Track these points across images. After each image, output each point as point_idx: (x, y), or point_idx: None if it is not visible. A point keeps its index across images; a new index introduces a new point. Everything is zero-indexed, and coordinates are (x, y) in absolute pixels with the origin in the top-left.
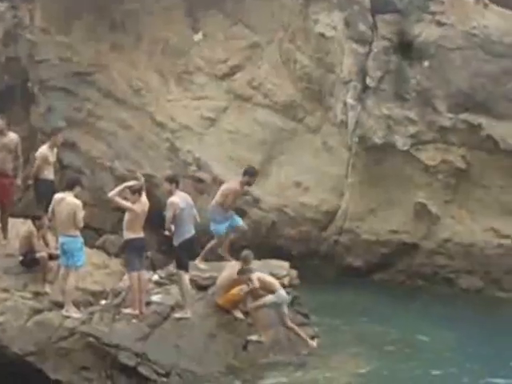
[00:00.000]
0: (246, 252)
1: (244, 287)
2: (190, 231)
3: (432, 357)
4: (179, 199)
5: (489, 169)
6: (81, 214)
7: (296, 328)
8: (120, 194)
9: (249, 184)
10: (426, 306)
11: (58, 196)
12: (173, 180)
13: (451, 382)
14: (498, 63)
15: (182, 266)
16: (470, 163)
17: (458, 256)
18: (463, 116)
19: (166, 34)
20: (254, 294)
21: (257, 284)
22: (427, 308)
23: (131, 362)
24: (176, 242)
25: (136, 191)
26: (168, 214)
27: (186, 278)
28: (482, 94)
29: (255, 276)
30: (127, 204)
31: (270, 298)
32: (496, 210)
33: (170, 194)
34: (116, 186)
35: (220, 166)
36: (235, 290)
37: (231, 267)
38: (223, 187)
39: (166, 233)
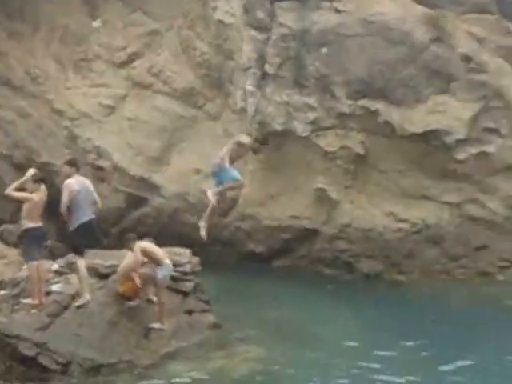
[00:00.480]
0: (131, 235)
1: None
2: (87, 215)
3: (332, 343)
4: (75, 181)
5: (387, 154)
6: None
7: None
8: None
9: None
10: (327, 290)
11: None
12: (73, 163)
13: (350, 367)
14: (395, 50)
15: (78, 251)
16: (369, 149)
17: (358, 240)
18: (361, 102)
19: (64, 21)
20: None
21: (139, 256)
22: (328, 293)
23: (31, 353)
24: (72, 226)
25: (37, 180)
26: (63, 196)
27: (81, 262)
28: (380, 80)
29: (138, 246)
30: (24, 194)
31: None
32: (395, 194)
33: (68, 177)
34: (15, 174)
35: (120, 153)
36: (136, 277)
37: (132, 255)
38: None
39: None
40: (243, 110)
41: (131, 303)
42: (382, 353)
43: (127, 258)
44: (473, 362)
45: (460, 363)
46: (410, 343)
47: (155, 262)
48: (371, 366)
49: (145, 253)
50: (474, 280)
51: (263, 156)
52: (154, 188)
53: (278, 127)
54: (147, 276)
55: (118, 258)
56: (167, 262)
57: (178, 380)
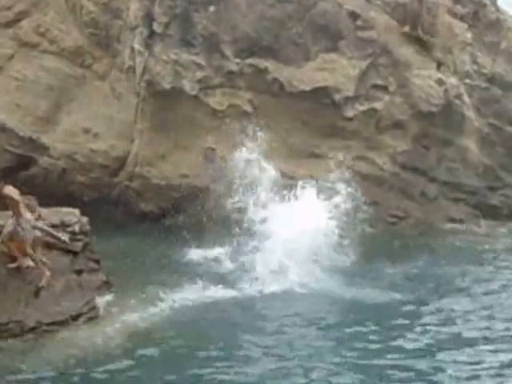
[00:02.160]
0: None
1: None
2: None
3: None
4: None
5: (275, 112)
6: None
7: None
8: None
9: None
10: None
11: None
12: None
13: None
14: (283, 8)
15: None
16: (257, 107)
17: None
18: (249, 60)
19: None
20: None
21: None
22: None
23: None
24: None
25: None
26: None
27: None
28: (268, 38)
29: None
30: None
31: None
32: (283, 152)
33: None
34: None
35: (7, 114)
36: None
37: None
38: None
39: None
40: (131, 69)
41: (12, 265)
42: None
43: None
44: None
45: None
46: None
47: (17, 212)
48: None
49: (9, 198)
50: None
51: (151, 115)
52: (43, 148)
53: (167, 86)
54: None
55: (4, 218)
56: (27, 215)
57: (67, 339)
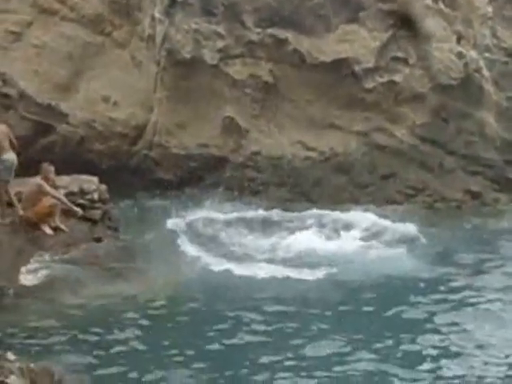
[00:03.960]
0: (44, 164)
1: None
2: None
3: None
4: None
5: (296, 83)
6: None
7: None
8: None
9: None
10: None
11: None
12: None
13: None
14: None
15: None
16: (278, 77)
17: (267, 169)
18: (270, 30)
19: None
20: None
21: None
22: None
23: None
24: None
25: None
26: None
27: None
28: (289, 8)
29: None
30: None
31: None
32: (303, 123)
33: None
34: None
35: (26, 80)
36: (43, 203)
37: (35, 181)
38: None
39: None
40: (151, 38)
41: (48, 230)
42: None
43: (30, 184)
44: None
45: None
46: None
47: None
48: None
49: None
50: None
51: (171, 84)
52: (62, 116)
53: (187, 55)
54: (54, 204)
55: (25, 185)
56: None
57: (86, 303)
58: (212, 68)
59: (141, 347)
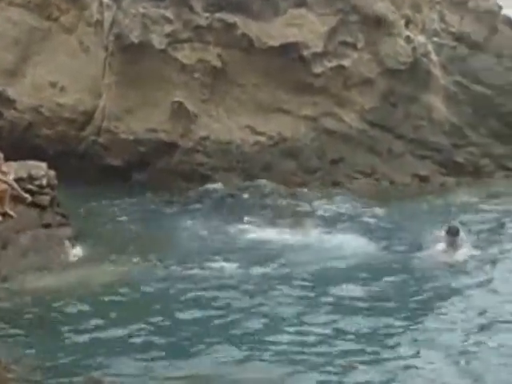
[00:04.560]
0: None
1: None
2: None
3: (186, 250)
4: None
5: (244, 67)
6: None
7: None
8: None
9: None
10: (185, 203)
11: None
12: None
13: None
14: None
15: None
16: (226, 62)
17: (216, 153)
18: (219, 15)
19: None
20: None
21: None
22: (186, 205)
23: None
24: None
25: None
26: None
27: None
28: None
29: None
30: None
31: None
32: (252, 108)
33: None
34: None
35: None
36: None
37: None
38: None
39: None
40: (99, 23)
41: None
42: None
43: None
44: None
45: None
46: None
47: None
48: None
49: None
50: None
51: (119, 69)
52: (9, 101)
53: (135, 40)
54: (3, 189)
55: None
56: None
57: (34, 290)
58: (160, 53)
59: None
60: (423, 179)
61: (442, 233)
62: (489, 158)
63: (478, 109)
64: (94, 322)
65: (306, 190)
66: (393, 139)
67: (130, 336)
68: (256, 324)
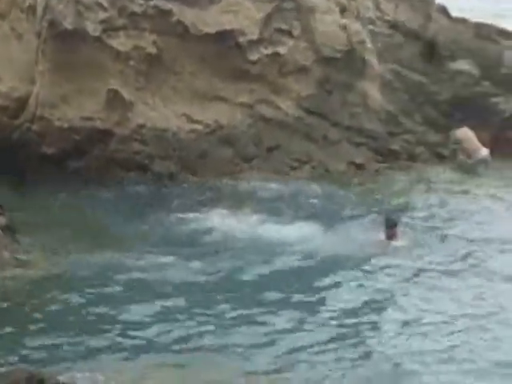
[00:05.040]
0: None
1: None
2: None
3: (121, 240)
4: None
5: (180, 55)
6: None
7: None
8: None
9: None
10: (122, 190)
11: None
12: None
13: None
14: None
15: None
16: (162, 49)
17: (152, 142)
18: (154, 2)
19: None
20: None
21: None
22: (123, 194)
23: None
24: None
25: None
26: None
27: None
28: None
29: None
30: None
31: None
32: (188, 95)
33: None
34: None
35: None
36: None
37: None
38: None
39: None
40: (32, 9)
41: None
42: None
43: None
44: None
45: None
46: None
47: None
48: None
49: None
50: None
51: (53, 56)
52: None
53: (69, 26)
54: None
55: None
56: None
57: None
58: (95, 40)
59: None
60: (359, 167)
61: (380, 223)
62: (424, 145)
63: (414, 97)
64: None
65: (243, 175)
66: (329, 126)
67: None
68: (189, 322)
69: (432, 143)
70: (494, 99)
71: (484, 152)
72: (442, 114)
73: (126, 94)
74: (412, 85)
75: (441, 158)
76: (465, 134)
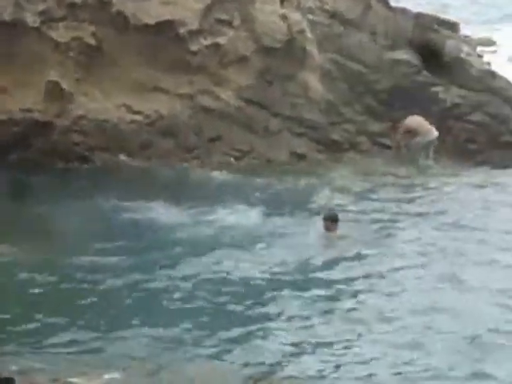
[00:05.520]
0: None
1: None
2: None
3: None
4: None
5: (120, 46)
6: None
7: None
8: None
9: None
10: (62, 183)
11: None
12: None
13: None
14: None
15: None
16: (102, 40)
17: (93, 133)
18: None
19: None
20: None
21: None
22: (63, 186)
23: None
24: None
25: None
26: None
27: None
28: None
29: None
30: None
31: None
32: (128, 86)
33: None
34: None
35: None
36: None
37: None
38: None
39: None
40: None
41: None
42: None
43: None
44: None
45: None
46: None
47: None
48: None
49: None
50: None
51: None
52: None
53: (7, 18)
54: None
55: None
56: None
57: None
58: (34, 31)
59: None
60: (300, 157)
61: (321, 217)
62: (364, 135)
63: (354, 86)
64: None
65: (185, 165)
66: (269, 117)
67: None
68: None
69: (372, 132)
70: (435, 89)
71: (435, 132)
72: (381, 103)
73: (66, 85)
74: (351, 74)
75: (381, 147)
76: (415, 120)
